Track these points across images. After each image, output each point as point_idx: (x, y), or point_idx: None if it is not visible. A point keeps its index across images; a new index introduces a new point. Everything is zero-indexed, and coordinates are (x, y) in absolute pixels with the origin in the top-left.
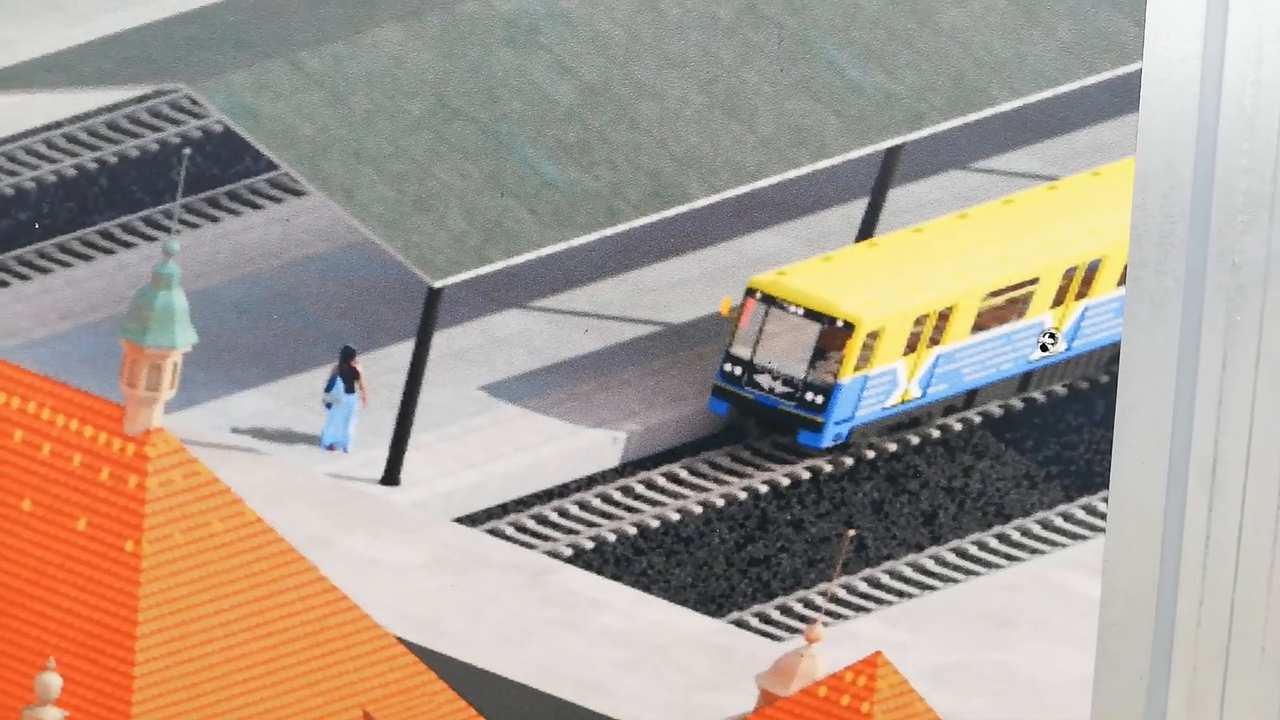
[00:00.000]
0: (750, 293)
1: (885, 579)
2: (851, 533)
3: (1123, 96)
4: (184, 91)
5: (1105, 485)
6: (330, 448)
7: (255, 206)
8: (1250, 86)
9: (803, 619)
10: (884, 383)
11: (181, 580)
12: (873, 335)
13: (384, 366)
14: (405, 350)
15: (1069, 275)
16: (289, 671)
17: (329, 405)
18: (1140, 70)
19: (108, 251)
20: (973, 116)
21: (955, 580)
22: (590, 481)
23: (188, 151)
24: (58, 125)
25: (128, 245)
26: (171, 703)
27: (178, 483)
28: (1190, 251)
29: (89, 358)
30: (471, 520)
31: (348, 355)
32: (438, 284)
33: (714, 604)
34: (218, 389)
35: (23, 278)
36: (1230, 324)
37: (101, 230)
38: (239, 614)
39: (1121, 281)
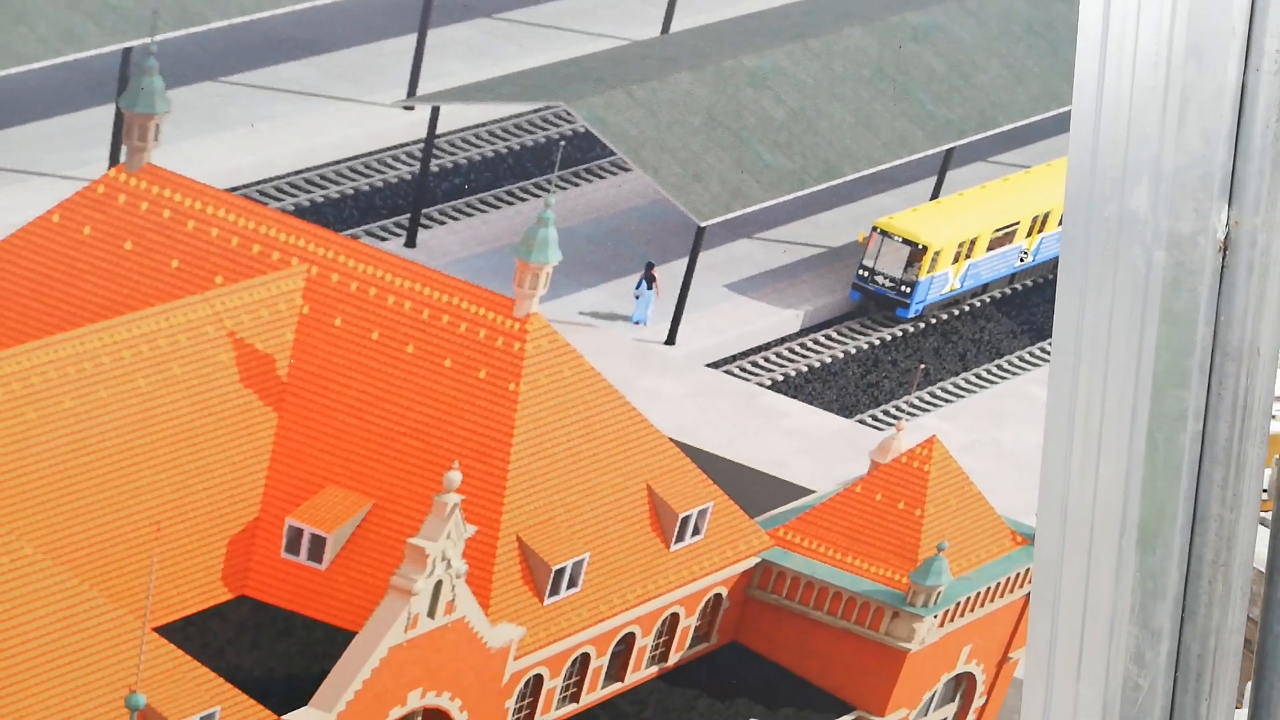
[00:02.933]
0: (874, 229)
1: (939, 393)
2: (922, 366)
3: (1064, 122)
4: (562, 107)
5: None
6: (637, 323)
7: (601, 178)
8: (1114, 124)
9: (895, 418)
10: (942, 280)
11: (543, 407)
12: (937, 253)
13: (670, 274)
14: (682, 264)
15: (1035, 220)
16: (599, 462)
17: (638, 297)
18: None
19: (509, 204)
20: (989, 132)
21: (975, 392)
22: (782, 340)
23: (562, 144)
24: (481, 125)
25: (522, 200)
26: (530, 483)
27: (544, 346)
28: (1088, 211)
29: (494, 270)
30: (715, 365)
31: (649, 267)
32: (703, 224)
33: (848, 410)
34: (572, 288)
35: (454, 219)
36: (1094, 258)
37: (506, 191)
38: (573, 427)
39: (1059, 224)
